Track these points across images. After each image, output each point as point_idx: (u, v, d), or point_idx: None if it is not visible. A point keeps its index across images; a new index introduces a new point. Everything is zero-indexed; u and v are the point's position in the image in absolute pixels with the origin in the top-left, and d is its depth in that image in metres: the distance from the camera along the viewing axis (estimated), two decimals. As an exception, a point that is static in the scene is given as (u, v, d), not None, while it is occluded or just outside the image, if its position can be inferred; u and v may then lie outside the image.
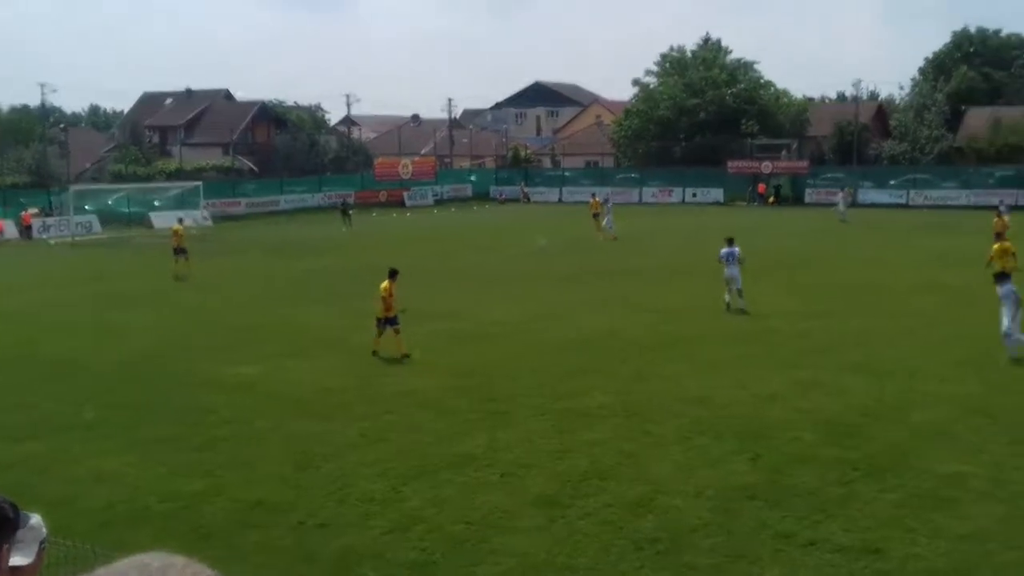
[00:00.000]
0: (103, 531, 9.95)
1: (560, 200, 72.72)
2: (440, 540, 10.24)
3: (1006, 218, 29.30)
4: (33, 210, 51.85)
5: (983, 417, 14.38)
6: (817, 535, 10.19)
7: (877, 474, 12.00)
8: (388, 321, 18.83)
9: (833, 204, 54.79)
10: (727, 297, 23.55)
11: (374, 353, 18.87)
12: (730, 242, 23.76)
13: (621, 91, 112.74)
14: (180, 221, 34.52)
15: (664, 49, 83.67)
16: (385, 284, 18.94)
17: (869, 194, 63.13)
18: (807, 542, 10.03)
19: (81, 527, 9.25)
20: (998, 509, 10.83)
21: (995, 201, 53.96)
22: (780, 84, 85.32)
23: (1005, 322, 17.76)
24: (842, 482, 11.74)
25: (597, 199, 47.65)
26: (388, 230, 51.52)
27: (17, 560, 3.46)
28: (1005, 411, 14.65)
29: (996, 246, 24.32)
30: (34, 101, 79.07)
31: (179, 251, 31.70)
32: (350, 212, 52.56)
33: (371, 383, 17.01)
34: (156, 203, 56.01)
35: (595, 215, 45.37)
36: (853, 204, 56.35)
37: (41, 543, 4.55)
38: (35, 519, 4.52)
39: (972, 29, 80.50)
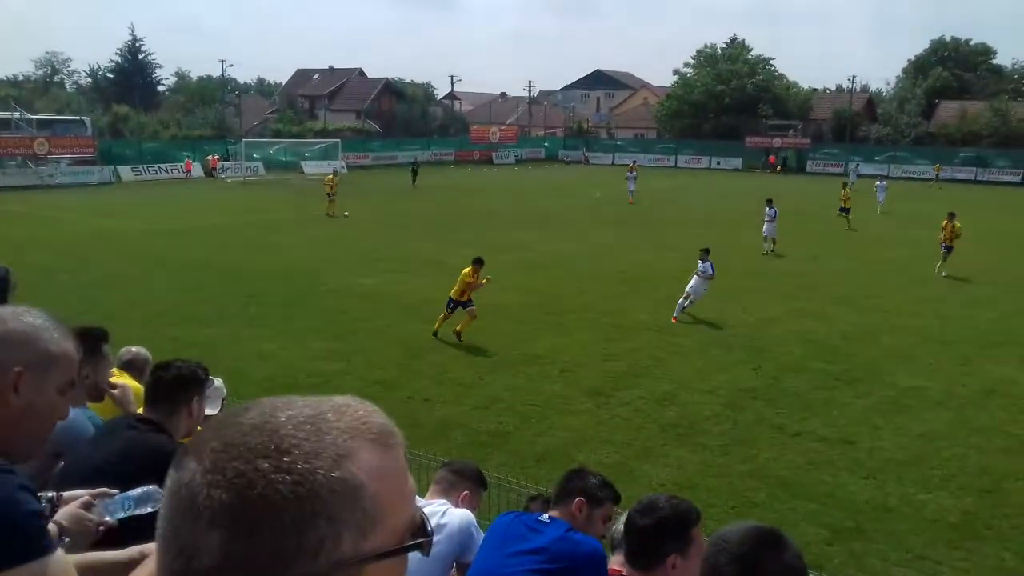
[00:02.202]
0: (265, 395, 10.24)
1: (613, 163, 71.41)
2: (513, 416, 10.37)
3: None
4: (211, 157, 52.63)
5: (939, 344, 14.02)
6: (803, 428, 10.10)
7: (853, 383, 11.81)
8: (462, 304, 13.93)
9: (836, 175, 52.44)
10: (765, 246, 23.65)
11: (435, 334, 13.87)
12: (769, 202, 23.64)
13: (664, 78, 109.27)
14: (335, 172, 33.87)
15: (699, 46, 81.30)
16: (469, 270, 13.89)
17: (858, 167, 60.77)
18: (795, 433, 9.95)
19: (249, 393, 9.51)
20: (947, 415, 10.62)
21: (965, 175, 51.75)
22: (790, 77, 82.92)
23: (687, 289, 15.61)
24: (824, 388, 11.60)
25: (635, 163, 44.44)
26: (479, 182, 51.23)
27: (208, 411, 3.60)
28: (956, 340, 14.27)
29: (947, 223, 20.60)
30: (216, 72, 79.81)
31: (331, 195, 31.07)
32: (417, 171, 47.16)
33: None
34: (306, 154, 56.47)
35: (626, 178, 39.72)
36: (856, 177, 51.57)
37: (223, 399, 4.68)
38: (218, 381, 4.65)
39: (947, 38, 79.35)
